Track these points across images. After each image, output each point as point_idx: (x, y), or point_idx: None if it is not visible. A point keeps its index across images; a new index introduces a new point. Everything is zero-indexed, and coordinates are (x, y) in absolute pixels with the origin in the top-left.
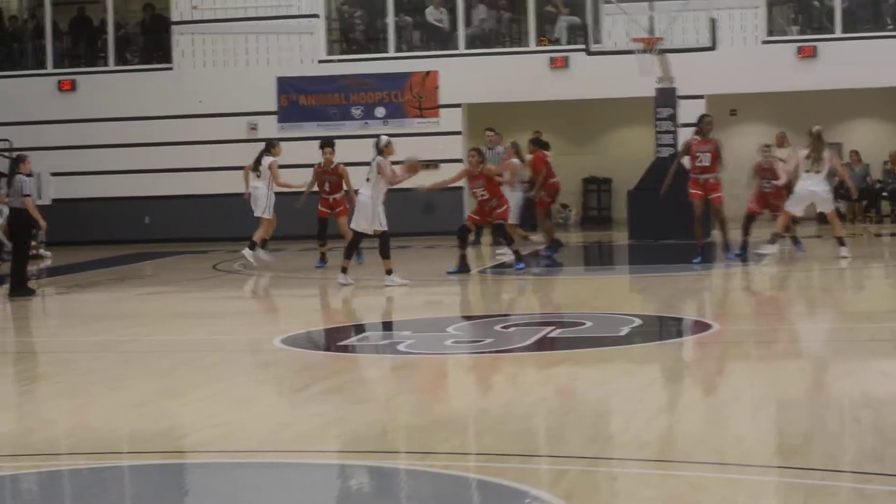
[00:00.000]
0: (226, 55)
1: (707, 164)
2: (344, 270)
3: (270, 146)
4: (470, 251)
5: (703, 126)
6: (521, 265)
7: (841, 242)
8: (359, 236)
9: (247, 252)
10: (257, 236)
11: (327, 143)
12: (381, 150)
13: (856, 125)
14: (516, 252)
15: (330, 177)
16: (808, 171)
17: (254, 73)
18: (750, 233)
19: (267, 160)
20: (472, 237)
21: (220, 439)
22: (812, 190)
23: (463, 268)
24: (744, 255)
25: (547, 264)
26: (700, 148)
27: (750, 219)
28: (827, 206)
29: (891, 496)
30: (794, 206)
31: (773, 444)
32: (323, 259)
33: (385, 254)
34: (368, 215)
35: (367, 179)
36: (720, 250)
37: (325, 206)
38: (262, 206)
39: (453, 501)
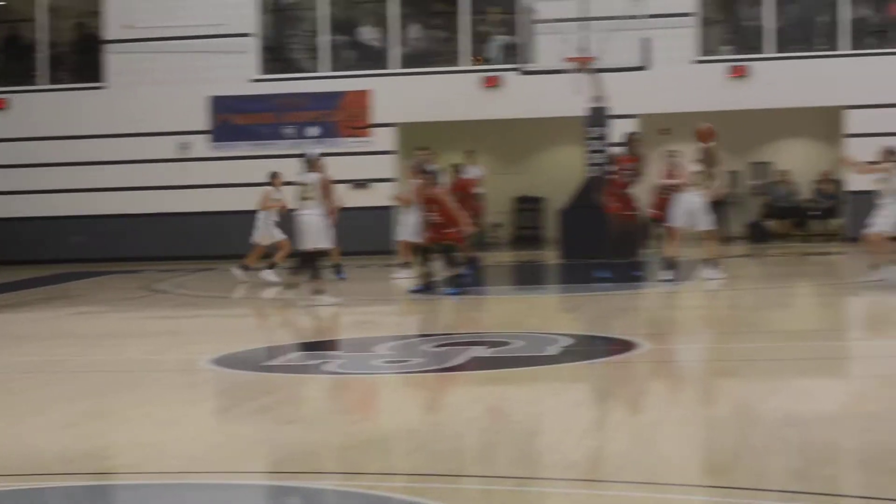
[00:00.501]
0: (159, 74)
1: (630, 180)
2: (319, 292)
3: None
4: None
5: (631, 143)
6: (455, 291)
7: (711, 264)
8: (311, 255)
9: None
10: (278, 257)
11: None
12: (314, 166)
13: (786, 145)
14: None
15: None
16: (695, 186)
17: (186, 92)
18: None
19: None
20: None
21: (150, 460)
22: (691, 205)
23: (427, 287)
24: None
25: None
26: (625, 164)
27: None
28: (705, 223)
29: None
30: (678, 220)
31: (701, 463)
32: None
33: (316, 274)
34: (317, 233)
35: (306, 198)
36: (658, 267)
37: None
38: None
39: None
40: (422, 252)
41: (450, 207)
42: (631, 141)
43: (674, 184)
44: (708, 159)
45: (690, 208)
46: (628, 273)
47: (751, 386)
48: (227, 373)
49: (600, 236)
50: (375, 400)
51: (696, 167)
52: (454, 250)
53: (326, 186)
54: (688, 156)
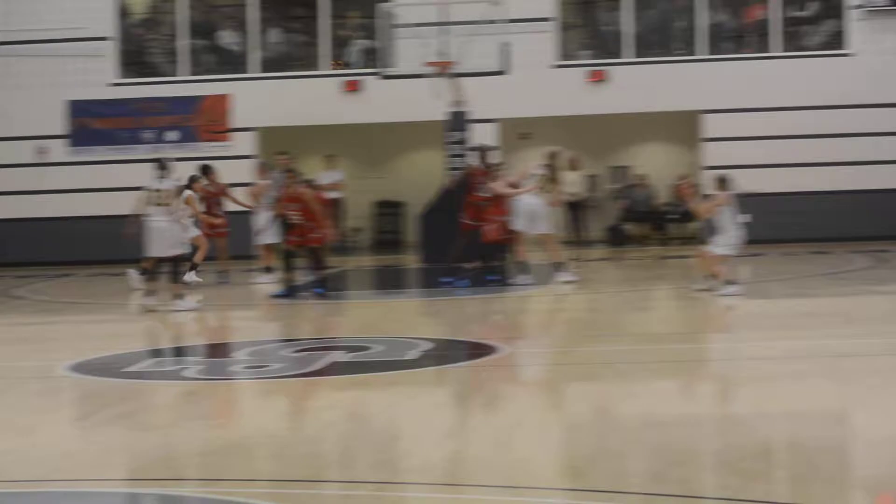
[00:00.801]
0: (16, 78)
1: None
2: (179, 297)
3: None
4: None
5: (485, 156)
6: (322, 290)
7: (561, 267)
8: (169, 261)
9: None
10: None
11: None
12: (192, 187)
13: (645, 148)
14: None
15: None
16: (539, 190)
17: (44, 95)
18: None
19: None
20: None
21: (9, 468)
22: (532, 209)
23: (291, 291)
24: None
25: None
26: (478, 177)
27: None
28: (544, 227)
29: None
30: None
31: (559, 465)
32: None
33: (177, 279)
34: (171, 239)
35: (160, 204)
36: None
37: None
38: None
39: None
40: (285, 256)
41: (314, 208)
42: (483, 153)
43: (510, 192)
44: (553, 165)
45: (531, 212)
46: (484, 279)
47: (609, 389)
48: (85, 379)
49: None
50: (235, 405)
51: (540, 172)
52: (318, 253)
53: (192, 206)
54: (534, 161)
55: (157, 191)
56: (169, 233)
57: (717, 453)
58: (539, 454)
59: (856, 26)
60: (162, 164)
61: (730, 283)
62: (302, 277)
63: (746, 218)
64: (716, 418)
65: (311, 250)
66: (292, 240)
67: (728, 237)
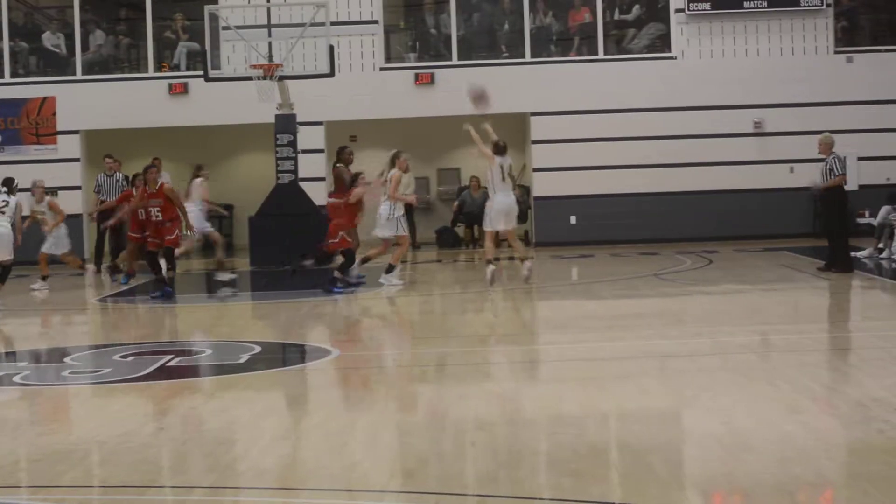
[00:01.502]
0: None
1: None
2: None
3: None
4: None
5: (344, 156)
6: (164, 291)
7: (390, 270)
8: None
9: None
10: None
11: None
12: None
13: (474, 151)
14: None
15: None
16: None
17: None
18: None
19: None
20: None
21: None
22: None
23: (167, 291)
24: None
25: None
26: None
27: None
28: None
29: None
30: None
31: (390, 468)
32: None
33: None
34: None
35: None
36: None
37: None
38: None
39: None
40: (149, 255)
41: (178, 205)
42: (343, 154)
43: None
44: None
45: (385, 215)
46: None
47: (441, 390)
48: None
49: (289, 244)
50: (64, 411)
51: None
52: (171, 253)
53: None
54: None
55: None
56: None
57: (549, 454)
58: (371, 457)
59: (678, 30)
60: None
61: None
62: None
63: (573, 219)
64: (546, 419)
65: (167, 250)
66: (151, 240)
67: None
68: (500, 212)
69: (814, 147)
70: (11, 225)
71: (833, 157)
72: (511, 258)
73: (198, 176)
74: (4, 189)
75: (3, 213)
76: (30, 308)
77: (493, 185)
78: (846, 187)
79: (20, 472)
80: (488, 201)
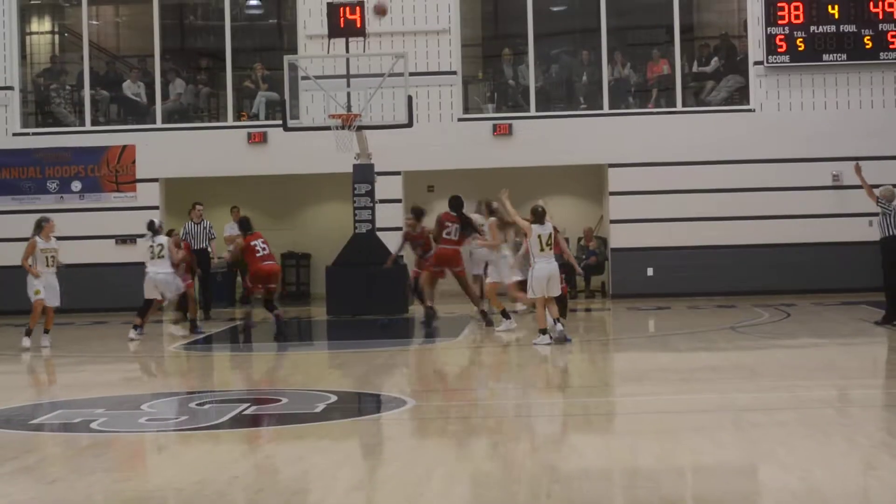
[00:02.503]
0: None
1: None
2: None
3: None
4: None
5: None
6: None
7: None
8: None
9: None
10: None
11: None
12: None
13: (551, 202)
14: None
15: None
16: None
17: None
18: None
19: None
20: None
21: None
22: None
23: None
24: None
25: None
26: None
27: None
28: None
29: None
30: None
31: None
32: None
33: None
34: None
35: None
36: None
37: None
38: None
39: None
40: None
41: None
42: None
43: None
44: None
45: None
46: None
47: (517, 442)
48: None
49: (366, 294)
50: (140, 458)
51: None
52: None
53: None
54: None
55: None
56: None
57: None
58: None
59: (757, 82)
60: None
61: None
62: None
63: (650, 271)
64: (621, 472)
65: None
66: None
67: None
68: (540, 279)
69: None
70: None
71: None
72: (578, 309)
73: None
74: (150, 233)
75: (162, 256)
76: (109, 354)
77: (533, 254)
78: None
79: None
80: (530, 269)
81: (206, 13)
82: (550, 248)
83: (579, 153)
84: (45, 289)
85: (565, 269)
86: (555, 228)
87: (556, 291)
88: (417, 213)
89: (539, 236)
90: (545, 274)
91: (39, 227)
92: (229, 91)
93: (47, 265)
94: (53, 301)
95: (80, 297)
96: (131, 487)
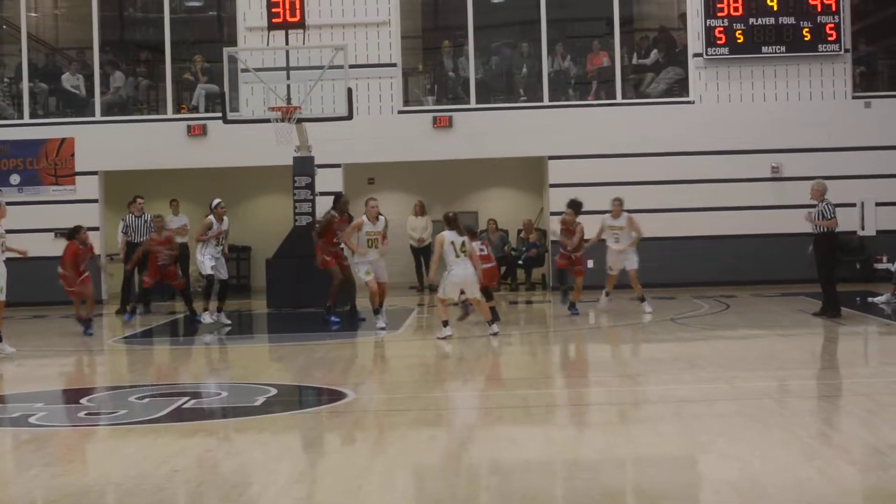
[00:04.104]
0: None
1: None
2: None
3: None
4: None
5: (340, 205)
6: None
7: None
8: None
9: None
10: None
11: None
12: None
13: (491, 194)
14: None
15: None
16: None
17: None
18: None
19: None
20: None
21: None
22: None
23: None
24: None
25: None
26: (341, 226)
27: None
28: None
29: None
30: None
31: None
32: None
33: None
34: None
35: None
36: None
37: None
38: None
39: None
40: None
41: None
42: (340, 202)
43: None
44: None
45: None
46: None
47: (456, 434)
48: None
49: (306, 286)
50: (79, 453)
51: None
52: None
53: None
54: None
55: None
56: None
57: (564, 499)
58: (385, 500)
59: (696, 74)
60: None
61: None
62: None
63: (589, 263)
64: (561, 463)
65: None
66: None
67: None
68: (454, 284)
69: (831, 191)
70: None
71: (825, 203)
72: (529, 301)
73: None
74: None
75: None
76: (48, 348)
77: (448, 261)
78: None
79: None
80: (445, 272)
81: (145, 5)
82: (465, 255)
83: (519, 145)
84: None
85: (504, 262)
86: (472, 233)
87: (475, 294)
88: (576, 206)
89: (452, 243)
90: (458, 280)
91: None
92: (169, 83)
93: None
94: None
95: (19, 291)
96: (70, 482)
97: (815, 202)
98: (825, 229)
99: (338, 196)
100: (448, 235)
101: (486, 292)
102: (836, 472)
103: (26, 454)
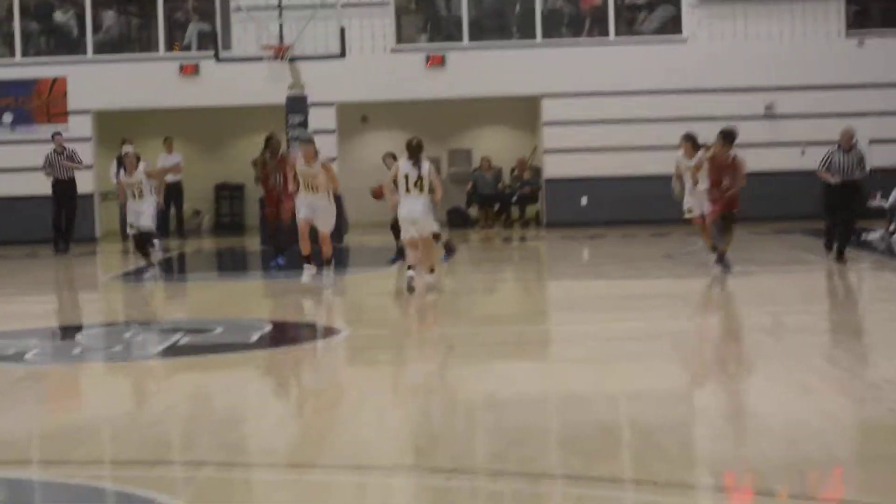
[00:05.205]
0: None
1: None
2: None
3: None
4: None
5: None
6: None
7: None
8: None
9: None
10: None
11: None
12: None
13: (485, 132)
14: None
15: None
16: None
17: None
18: None
19: None
20: None
21: None
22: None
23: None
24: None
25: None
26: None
27: None
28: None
29: (513, 495)
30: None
31: (400, 446)
32: None
33: None
34: None
35: None
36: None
37: None
38: None
39: None
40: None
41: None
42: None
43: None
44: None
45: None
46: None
47: (451, 370)
48: None
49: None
50: (74, 389)
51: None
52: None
53: None
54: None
55: None
56: None
57: (559, 433)
58: (380, 434)
59: (689, 12)
60: None
61: None
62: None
63: (583, 200)
64: (555, 398)
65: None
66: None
67: None
68: (404, 220)
69: (825, 129)
70: None
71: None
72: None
73: None
74: None
75: None
76: (42, 286)
77: (400, 194)
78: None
79: (32, 447)
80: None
81: None
82: (420, 190)
83: (513, 84)
84: None
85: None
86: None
87: (425, 232)
88: (731, 137)
89: (406, 176)
90: (407, 215)
91: None
92: (161, 22)
93: None
94: None
95: (12, 229)
96: (66, 418)
97: (842, 148)
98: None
99: (269, 137)
100: (403, 167)
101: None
102: (831, 406)
103: (21, 391)
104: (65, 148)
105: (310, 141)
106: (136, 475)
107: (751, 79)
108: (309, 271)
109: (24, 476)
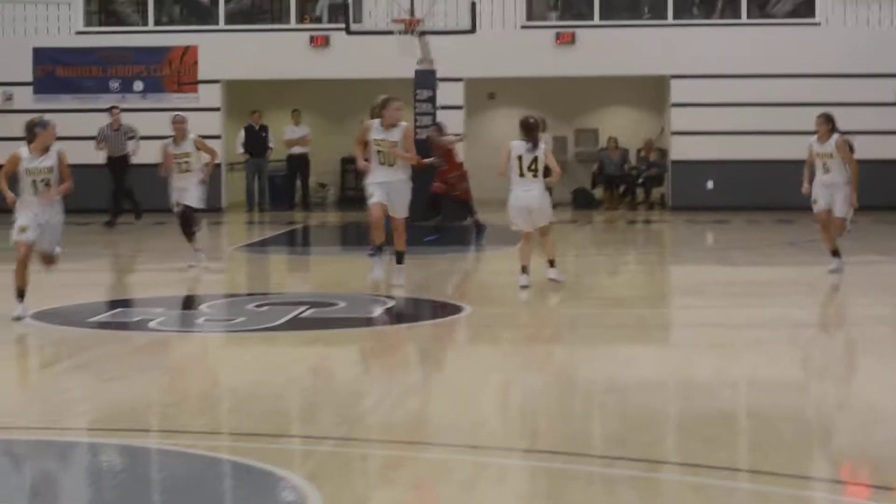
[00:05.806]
0: None
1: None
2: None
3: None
4: None
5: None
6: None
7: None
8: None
9: None
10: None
11: None
12: None
13: (612, 112)
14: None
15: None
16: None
17: (10, 43)
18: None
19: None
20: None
21: None
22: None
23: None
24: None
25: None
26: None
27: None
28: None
29: (631, 480)
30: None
31: (520, 427)
32: None
33: None
34: None
35: None
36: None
37: None
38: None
39: (199, 481)
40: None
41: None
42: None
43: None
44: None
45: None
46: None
47: (573, 352)
48: (46, 328)
49: (425, 200)
50: (196, 358)
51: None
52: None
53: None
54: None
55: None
56: None
57: (679, 418)
58: (500, 415)
59: None
60: None
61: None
62: None
63: (709, 184)
64: (677, 384)
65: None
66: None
67: None
68: (517, 210)
69: None
70: None
71: None
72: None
73: None
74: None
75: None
76: (169, 255)
77: (512, 178)
78: None
79: (152, 416)
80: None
81: None
82: (534, 174)
83: (642, 63)
84: (33, 226)
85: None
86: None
87: (541, 223)
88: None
89: (519, 158)
90: (521, 204)
91: (32, 133)
92: None
93: (35, 191)
94: (49, 244)
95: (144, 197)
96: (187, 387)
97: None
98: None
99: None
100: (516, 147)
101: (435, 200)
102: None
103: (144, 358)
104: (121, 124)
105: (387, 101)
106: (256, 447)
107: (882, 65)
108: (378, 266)
109: (144, 444)
